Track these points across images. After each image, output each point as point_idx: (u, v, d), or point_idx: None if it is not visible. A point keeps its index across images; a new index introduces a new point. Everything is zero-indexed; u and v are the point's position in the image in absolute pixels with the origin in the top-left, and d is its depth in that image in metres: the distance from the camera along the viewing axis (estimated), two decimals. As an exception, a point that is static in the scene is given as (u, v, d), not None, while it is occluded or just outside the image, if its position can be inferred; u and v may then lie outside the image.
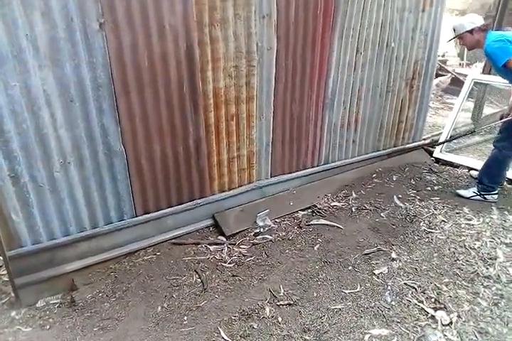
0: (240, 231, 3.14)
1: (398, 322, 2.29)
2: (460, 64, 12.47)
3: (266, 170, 3.37)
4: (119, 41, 2.32)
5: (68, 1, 2.10)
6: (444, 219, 3.29)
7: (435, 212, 3.40)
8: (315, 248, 2.96)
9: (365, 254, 2.87)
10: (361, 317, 2.33)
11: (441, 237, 3.06)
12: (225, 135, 2.98)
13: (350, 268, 2.74)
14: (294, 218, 3.37)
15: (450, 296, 2.47)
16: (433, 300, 2.44)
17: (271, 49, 2.92)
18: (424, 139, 4.63)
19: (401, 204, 3.52)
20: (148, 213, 2.88)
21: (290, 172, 3.54)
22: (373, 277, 2.65)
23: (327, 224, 3.24)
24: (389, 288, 2.55)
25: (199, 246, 2.98)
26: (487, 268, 2.70)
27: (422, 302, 2.43)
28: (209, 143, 2.92)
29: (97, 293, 2.55)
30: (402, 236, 3.08)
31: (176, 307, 2.43)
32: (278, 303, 2.42)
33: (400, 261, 2.80)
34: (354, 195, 3.67)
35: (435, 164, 4.40)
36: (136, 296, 2.52)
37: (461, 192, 3.71)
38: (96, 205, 2.63)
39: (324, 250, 2.92)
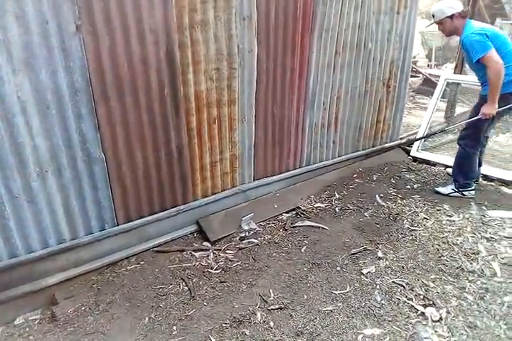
0: (225, 236, 3.09)
1: (389, 320, 2.30)
2: (428, 65, 12.84)
3: (249, 174, 3.34)
4: (97, 44, 2.25)
5: (43, 4, 2.02)
6: (426, 217, 3.35)
7: (417, 210, 3.45)
8: (302, 250, 2.94)
9: (352, 254, 2.87)
10: (353, 317, 2.32)
11: (424, 234, 3.11)
12: (208, 139, 2.94)
13: (338, 268, 2.73)
14: (279, 221, 3.35)
15: (438, 292, 2.49)
16: (421, 297, 2.46)
17: (252, 51, 2.90)
18: (401, 138, 4.71)
19: (383, 203, 3.56)
20: (130, 221, 2.79)
21: (273, 175, 3.52)
22: (362, 277, 2.65)
23: (312, 226, 3.23)
24: (378, 287, 2.56)
25: (184, 253, 2.91)
26: (471, 263, 2.75)
27: (411, 299, 2.44)
28: (191, 147, 2.86)
29: (80, 307, 2.45)
30: (386, 235, 3.10)
31: (163, 317, 2.35)
32: (269, 308, 2.39)
33: (386, 259, 2.82)
34: (337, 196, 3.69)
35: (413, 163, 4.49)
36: (121, 308, 2.43)
37: (440, 189, 3.77)
38: (76, 215, 2.54)
39: (311, 252, 2.91)
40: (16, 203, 2.28)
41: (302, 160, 3.72)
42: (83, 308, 2.43)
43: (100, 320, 2.35)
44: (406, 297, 2.46)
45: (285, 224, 3.28)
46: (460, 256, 2.81)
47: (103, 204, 2.62)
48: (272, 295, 2.49)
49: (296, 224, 3.26)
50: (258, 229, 3.21)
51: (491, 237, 3.02)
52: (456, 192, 3.70)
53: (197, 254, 2.90)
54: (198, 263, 2.81)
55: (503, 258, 2.77)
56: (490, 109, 3.26)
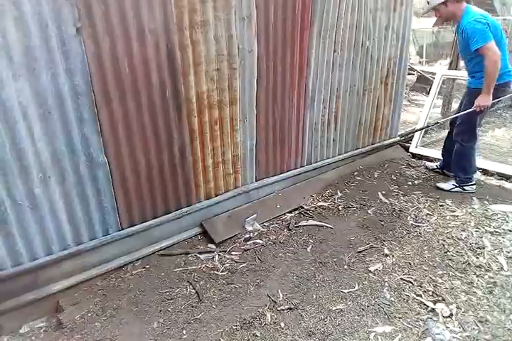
0: (229, 238, 3.07)
1: (400, 317, 2.30)
2: (420, 62, 12.91)
3: (251, 174, 3.32)
4: (98, 46, 2.22)
5: (42, 6, 1.98)
6: (429, 212, 3.35)
7: (419, 206, 3.45)
8: (308, 249, 2.93)
9: (359, 252, 2.87)
10: (363, 315, 2.32)
11: (428, 230, 3.11)
12: (210, 140, 2.92)
13: (345, 267, 2.72)
14: (283, 220, 3.34)
15: (446, 288, 2.50)
16: (430, 293, 2.46)
17: (252, 51, 2.88)
18: (400, 136, 4.72)
19: (386, 200, 3.56)
20: (134, 225, 2.76)
21: (275, 175, 3.50)
22: (369, 274, 2.65)
23: (316, 225, 3.22)
24: (386, 284, 2.55)
25: (189, 255, 2.89)
26: (477, 258, 2.75)
27: (420, 296, 2.44)
28: (194, 149, 2.84)
29: (86, 313, 2.41)
30: (391, 232, 3.10)
31: (172, 321, 2.33)
32: (278, 308, 2.37)
33: (392, 256, 2.82)
34: (339, 194, 3.68)
35: (412, 159, 4.50)
36: (128, 313, 2.40)
37: (441, 185, 3.78)
38: (79, 220, 2.50)
39: (317, 251, 2.90)
40: (18, 210, 2.25)
41: (303, 159, 3.71)
42: (90, 314, 2.40)
43: (108, 326, 2.32)
44: (415, 293, 2.46)
45: (289, 223, 3.26)
46: (466, 251, 2.82)
47: (106, 208, 2.59)
48: (281, 295, 2.48)
49: (300, 224, 3.25)
50: (262, 229, 3.19)
51: (495, 231, 3.03)
52: (457, 187, 3.71)
53: (202, 257, 2.87)
54: (203, 265, 2.78)
55: (508, 252, 2.78)
56: (485, 101, 3.27)
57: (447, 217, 3.27)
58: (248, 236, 3.09)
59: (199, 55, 2.64)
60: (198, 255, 2.89)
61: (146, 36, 2.37)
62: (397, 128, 4.60)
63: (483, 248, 2.84)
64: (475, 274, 2.60)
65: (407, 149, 4.65)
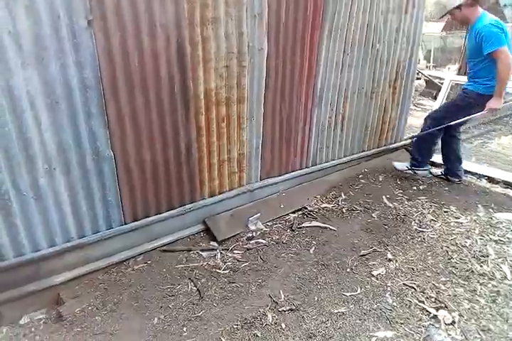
0: (232, 236, 3.06)
1: (402, 323, 2.28)
2: (427, 66, 12.88)
3: (256, 173, 3.31)
4: (109, 40, 2.20)
5: (55, -4, 1.97)
6: (434, 218, 3.33)
7: (424, 211, 3.43)
8: (311, 251, 2.91)
9: (362, 256, 2.85)
10: (365, 320, 2.30)
11: (432, 236, 3.09)
12: (216, 137, 2.90)
13: (348, 270, 2.71)
14: (286, 221, 3.32)
15: (449, 295, 2.48)
16: (433, 299, 2.44)
17: (262, 49, 2.86)
18: (406, 139, 4.69)
19: (390, 205, 3.54)
20: (137, 220, 2.75)
21: (279, 175, 3.49)
22: (372, 278, 2.63)
23: (319, 226, 3.21)
24: (389, 289, 2.54)
25: (191, 252, 2.87)
26: (481, 266, 2.73)
27: (422, 302, 2.42)
28: (200, 146, 2.83)
29: (86, 307, 2.40)
30: (395, 236, 3.08)
31: (173, 318, 2.32)
32: (280, 309, 2.35)
33: (396, 261, 2.80)
34: (343, 196, 3.66)
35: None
36: (129, 308, 2.39)
37: (396, 164, 4.03)
38: (83, 213, 2.49)
39: (320, 253, 2.88)
40: (22, 200, 2.23)
41: (308, 160, 3.70)
42: (90, 308, 2.39)
43: (108, 320, 2.30)
44: (417, 299, 2.44)
45: (292, 224, 3.25)
46: (469, 259, 2.80)
47: (111, 202, 2.57)
48: (283, 296, 2.46)
49: (304, 225, 3.23)
50: (265, 229, 3.18)
51: (500, 240, 3.00)
52: (409, 169, 3.95)
53: (204, 254, 2.86)
54: (205, 263, 2.77)
55: (512, 261, 2.76)
56: (496, 104, 3.36)
57: (452, 224, 3.25)
58: (251, 235, 3.08)
59: (209, 52, 2.62)
60: (200, 252, 2.88)
61: (157, 31, 2.35)
62: (403, 132, 4.58)
63: (487, 256, 2.81)
64: (478, 282, 2.58)
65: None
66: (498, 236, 3.06)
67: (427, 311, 2.35)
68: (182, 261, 2.78)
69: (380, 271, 2.69)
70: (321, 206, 3.51)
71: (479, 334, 2.19)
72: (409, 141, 4.74)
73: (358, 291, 2.51)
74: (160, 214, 2.84)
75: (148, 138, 2.57)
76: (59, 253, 2.45)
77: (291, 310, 2.35)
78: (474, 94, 3.52)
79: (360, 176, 4.04)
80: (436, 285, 2.56)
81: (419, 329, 2.23)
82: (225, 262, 2.79)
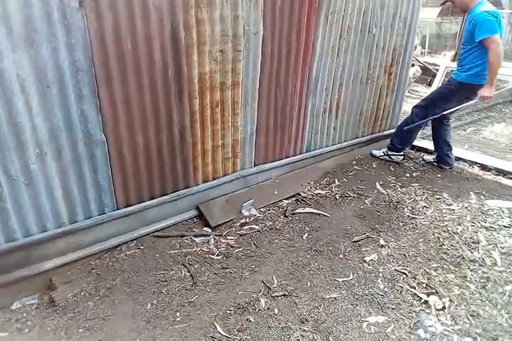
0: (225, 222, 3.05)
1: (393, 308, 2.31)
2: (422, 52, 12.80)
3: (250, 159, 3.29)
4: (101, 21, 2.13)
5: (45, -25, 1.90)
6: (426, 205, 3.35)
7: (416, 198, 3.45)
8: (304, 237, 2.92)
9: (354, 242, 2.87)
10: (357, 305, 2.33)
11: (424, 223, 3.11)
12: (210, 123, 2.86)
13: (341, 256, 2.73)
14: (279, 207, 3.32)
15: (440, 281, 2.51)
16: (424, 285, 2.47)
17: (257, 33, 2.81)
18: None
19: (383, 191, 3.55)
20: (130, 205, 2.73)
21: (273, 161, 3.47)
22: (364, 264, 2.65)
23: (313, 213, 3.22)
24: (381, 274, 2.56)
25: (184, 238, 2.87)
26: (471, 252, 2.76)
27: (414, 287, 2.46)
28: (193, 131, 2.79)
29: (79, 292, 2.40)
30: (387, 223, 3.10)
31: (166, 303, 2.32)
32: (273, 295, 2.37)
33: (388, 247, 2.82)
34: (337, 183, 3.67)
35: (411, 151, 4.47)
36: (122, 293, 2.39)
37: (374, 152, 4.16)
38: (75, 198, 2.46)
39: (313, 239, 2.90)
40: (13, 185, 2.19)
41: (303, 146, 3.68)
42: (82, 293, 2.39)
43: (101, 305, 2.31)
44: (409, 285, 2.47)
45: (285, 210, 3.25)
46: (461, 245, 2.83)
47: (103, 187, 2.54)
48: (276, 281, 2.48)
49: (297, 211, 3.24)
50: (258, 215, 3.18)
51: (491, 226, 3.04)
52: (385, 155, 4.06)
53: (197, 240, 2.86)
54: (198, 248, 2.77)
55: (502, 248, 2.79)
56: (489, 92, 3.39)
57: (443, 211, 3.27)
58: (244, 221, 3.08)
59: (203, 35, 2.56)
60: (194, 238, 2.87)
61: (151, 12, 2.29)
62: (397, 119, 4.56)
63: (478, 243, 2.85)
64: (469, 268, 2.61)
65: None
66: (489, 223, 3.09)
67: (418, 297, 2.38)
68: (175, 247, 2.78)
69: (373, 256, 2.72)
70: (315, 192, 3.51)
71: (469, 320, 2.23)
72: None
73: (351, 277, 2.54)
74: (153, 199, 2.82)
75: (141, 122, 2.53)
76: (51, 239, 2.43)
77: (284, 295, 2.37)
78: (456, 82, 3.60)
79: (354, 163, 4.04)
80: (428, 271, 2.59)
81: (410, 314, 2.27)
82: (219, 248, 2.79)
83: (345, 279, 2.52)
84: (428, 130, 5.07)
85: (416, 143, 4.55)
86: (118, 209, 2.68)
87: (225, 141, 3.03)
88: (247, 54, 2.83)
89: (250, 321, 2.19)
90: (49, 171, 2.29)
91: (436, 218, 3.17)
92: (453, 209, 3.28)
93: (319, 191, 3.54)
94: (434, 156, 4.14)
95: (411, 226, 3.07)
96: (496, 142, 4.99)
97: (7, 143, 2.08)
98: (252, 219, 3.13)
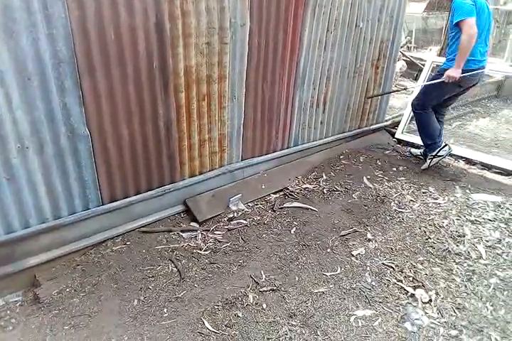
0: (212, 217, 3.03)
1: (380, 302, 2.32)
2: (408, 47, 12.84)
3: (237, 154, 3.26)
4: (83, 11, 2.08)
5: (24, -38, 1.83)
6: (412, 199, 3.37)
7: (403, 192, 3.47)
8: (291, 231, 2.92)
9: (342, 236, 2.87)
10: (344, 299, 2.33)
11: (411, 216, 3.13)
12: (196, 117, 2.83)
13: (328, 250, 2.73)
14: (267, 202, 3.31)
15: (426, 274, 2.53)
16: (411, 278, 2.49)
17: (244, 25, 2.77)
18: (387, 120, 4.70)
19: (370, 185, 3.56)
20: (115, 201, 2.68)
21: (261, 155, 3.45)
22: (352, 258, 2.66)
23: (301, 207, 3.21)
24: (368, 268, 2.57)
25: (171, 233, 2.84)
26: (457, 246, 2.79)
27: (400, 281, 2.47)
28: (180, 125, 2.75)
29: (64, 289, 2.36)
30: (374, 217, 3.11)
31: (153, 299, 2.30)
32: (261, 290, 2.36)
33: (375, 241, 2.83)
34: (324, 177, 3.66)
35: (398, 145, 4.50)
36: (108, 290, 2.36)
37: (423, 166, 3.89)
38: (58, 194, 2.41)
39: (301, 233, 2.89)
40: (-6, 181, 2.14)
41: (290, 140, 3.66)
42: (68, 290, 2.35)
43: (86, 302, 2.27)
44: (396, 278, 2.49)
45: (273, 205, 3.24)
46: (446, 239, 2.85)
47: (87, 182, 2.50)
48: (264, 276, 2.47)
49: (285, 205, 3.22)
50: (246, 209, 3.16)
51: (476, 220, 3.07)
52: (434, 157, 3.80)
53: (185, 235, 2.83)
54: (186, 244, 2.74)
55: (487, 241, 2.83)
56: (455, 73, 3.40)
57: (430, 204, 3.29)
58: (232, 215, 3.06)
59: (189, 27, 2.52)
60: (181, 233, 2.84)
61: (134, 2, 2.23)
62: (384, 113, 4.58)
63: (464, 236, 2.88)
64: (454, 262, 2.64)
65: (393, 135, 4.65)
66: (474, 216, 3.12)
67: (405, 290, 2.40)
68: (162, 242, 2.74)
69: (360, 250, 2.72)
70: (302, 187, 3.51)
71: (455, 312, 2.25)
72: (389, 122, 4.76)
73: (338, 271, 2.54)
74: (139, 194, 2.78)
75: (126, 115, 2.48)
76: (34, 235, 2.38)
77: (272, 290, 2.36)
78: (442, 71, 3.62)
79: (342, 157, 4.04)
80: (414, 264, 2.61)
81: (397, 307, 2.28)
82: (206, 243, 2.77)
83: (332, 273, 2.52)
84: (414, 124, 5.10)
85: (401, 137, 4.58)
86: (103, 204, 2.64)
87: (211, 135, 3.00)
88: (233, 46, 2.80)
89: (238, 316, 2.18)
90: (31, 166, 2.23)
91: (423, 212, 3.19)
92: (439, 203, 3.31)
93: (307, 185, 3.53)
94: (421, 150, 4.16)
95: (398, 220, 3.09)
96: (480, 136, 5.04)
97: (-14, 137, 2.02)
98: (240, 213, 3.11)
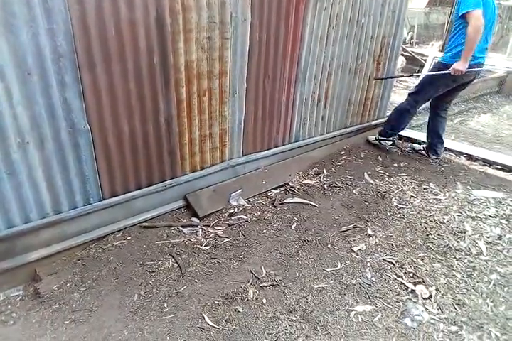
0: (213, 212, 3.03)
1: (380, 297, 2.32)
2: (411, 43, 12.78)
3: (238, 149, 3.25)
4: (83, 5, 2.06)
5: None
6: (413, 195, 3.37)
7: (404, 188, 3.47)
8: (292, 227, 2.92)
9: (342, 232, 2.87)
10: (345, 294, 2.33)
11: (412, 212, 3.13)
12: (197, 112, 2.81)
13: (329, 246, 2.73)
14: (268, 197, 3.31)
15: (427, 270, 2.53)
16: (411, 274, 2.49)
17: (245, 20, 2.75)
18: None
19: (371, 181, 3.56)
20: (116, 196, 2.68)
21: (262, 151, 3.44)
22: (352, 254, 2.66)
23: (301, 203, 3.21)
24: (368, 264, 2.57)
25: (172, 228, 2.84)
26: (458, 242, 2.79)
27: (401, 277, 2.47)
28: (180, 120, 2.74)
29: (65, 283, 2.36)
30: (375, 213, 3.11)
31: (153, 294, 2.30)
32: (261, 285, 2.37)
33: (376, 237, 2.83)
34: (325, 173, 3.66)
35: (398, 141, 4.47)
36: (108, 284, 2.36)
37: (370, 137, 4.26)
38: (59, 189, 2.40)
39: (302, 229, 2.89)
40: (-6, 176, 2.14)
41: (291, 135, 3.65)
42: (68, 285, 2.35)
43: (87, 297, 2.28)
44: (396, 274, 2.49)
45: (274, 200, 3.24)
46: (447, 235, 2.85)
47: (88, 177, 2.49)
48: (264, 272, 2.47)
49: (285, 201, 3.22)
50: (247, 205, 3.16)
51: (477, 216, 3.07)
52: (376, 140, 4.13)
53: (185, 230, 2.83)
54: (186, 239, 2.75)
55: (488, 237, 2.82)
56: (461, 66, 3.38)
57: (430, 200, 3.29)
58: (233, 211, 3.06)
59: (190, 22, 2.50)
60: (181, 228, 2.85)
61: (135, -4, 2.22)
62: (385, 109, 4.56)
63: (464, 232, 2.87)
64: (455, 258, 2.64)
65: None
66: (475, 212, 3.12)
67: (405, 286, 2.40)
68: (163, 237, 2.75)
69: (360, 246, 2.72)
70: (303, 182, 3.50)
71: (455, 308, 2.25)
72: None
73: (339, 266, 2.54)
74: (140, 189, 2.77)
75: (127, 110, 2.47)
76: (34, 230, 2.37)
77: (272, 285, 2.37)
78: (441, 65, 3.63)
79: (342, 153, 4.04)
80: (415, 260, 2.61)
81: (397, 303, 2.28)
82: (207, 238, 2.77)
83: (333, 269, 2.52)
84: (416, 120, 5.10)
85: (404, 133, 4.56)
86: (104, 199, 2.63)
87: (212, 131, 2.99)
88: (234, 41, 2.78)
89: (238, 311, 2.18)
90: (31, 161, 2.22)
91: (424, 208, 3.19)
92: (440, 199, 3.31)
93: (308, 181, 3.53)
94: (423, 145, 4.16)
95: (398, 216, 3.08)
96: (482, 132, 5.03)
97: (-13, 132, 2.02)
98: (241, 209, 3.11)
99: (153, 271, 2.46)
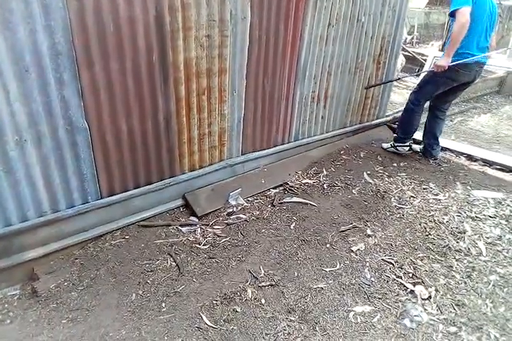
0: (212, 211, 3.01)
1: (379, 298, 2.31)
2: (410, 42, 12.77)
3: (237, 148, 3.24)
4: (81, 1, 2.04)
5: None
6: (413, 195, 3.36)
7: (403, 188, 3.45)
8: (291, 226, 2.90)
9: (341, 231, 2.86)
10: (343, 294, 2.32)
11: (411, 212, 3.11)
12: (196, 110, 2.80)
13: (328, 245, 2.71)
14: (267, 196, 3.29)
15: (426, 270, 2.52)
16: (410, 275, 2.48)
17: (245, 18, 2.73)
18: (387, 116, 4.68)
19: (371, 181, 3.54)
20: (114, 194, 2.67)
21: (261, 150, 3.43)
22: (351, 254, 2.64)
23: (300, 202, 3.19)
24: (367, 264, 2.56)
25: (170, 227, 2.82)
26: (457, 242, 2.78)
27: (400, 277, 2.46)
28: (179, 118, 2.73)
29: (62, 282, 2.35)
30: (374, 213, 3.10)
31: (151, 293, 2.29)
32: (260, 285, 2.35)
33: (375, 237, 2.82)
34: (324, 172, 3.65)
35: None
36: (106, 284, 2.35)
37: (384, 145, 4.15)
38: (57, 187, 2.39)
39: (300, 228, 2.88)
40: (-9, 174, 2.12)
41: (291, 135, 3.64)
42: (66, 284, 2.34)
43: (84, 296, 2.26)
44: (395, 275, 2.47)
45: (273, 199, 3.22)
46: (447, 235, 2.84)
47: (86, 176, 2.48)
48: (262, 271, 2.46)
49: (285, 200, 3.21)
50: (246, 204, 3.14)
51: (476, 216, 3.05)
52: (392, 147, 4.05)
53: (184, 229, 2.82)
54: (185, 238, 2.73)
55: (488, 238, 2.81)
56: (443, 61, 3.40)
57: (430, 200, 3.28)
58: (231, 210, 3.04)
59: (189, 19, 2.49)
60: (180, 227, 2.83)
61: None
62: (385, 109, 4.55)
63: (464, 233, 2.86)
64: (454, 258, 2.62)
65: (394, 130, 4.61)
66: (474, 213, 3.10)
67: (405, 286, 2.39)
68: (161, 236, 2.73)
69: (360, 246, 2.71)
70: (302, 182, 3.49)
71: (454, 309, 2.24)
72: (390, 117, 4.73)
73: (337, 267, 2.53)
74: (138, 188, 2.76)
75: (125, 108, 2.45)
76: (32, 228, 2.36)
77: (271, 285, 2.35)
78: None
79: (342, 152, 4.02)
80: (414, 260, 2.59)
81: (396, 304, 2.27)
82: (205, 237, 2.76)
83: (332, 269, 2.51)
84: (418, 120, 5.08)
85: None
86: (102, 198, 2.62)
87: (211, 129, 2.97)
88: (234, 40, 2.77)
89: (237, 311, 2.17)
90: (29, 158, 2.21)
91: (423, 208, 3.17)
92: (439, 199, 3.29)
93: (307, 180, 3.52)
94: (421, 146, 4.15)
95: (398, 216, 3.07)
96: (481, 133, 5.02)
97: (-16, 130, 2.00)
98: (239, 208, 3.09)
99: (151, 270, 2.44)
